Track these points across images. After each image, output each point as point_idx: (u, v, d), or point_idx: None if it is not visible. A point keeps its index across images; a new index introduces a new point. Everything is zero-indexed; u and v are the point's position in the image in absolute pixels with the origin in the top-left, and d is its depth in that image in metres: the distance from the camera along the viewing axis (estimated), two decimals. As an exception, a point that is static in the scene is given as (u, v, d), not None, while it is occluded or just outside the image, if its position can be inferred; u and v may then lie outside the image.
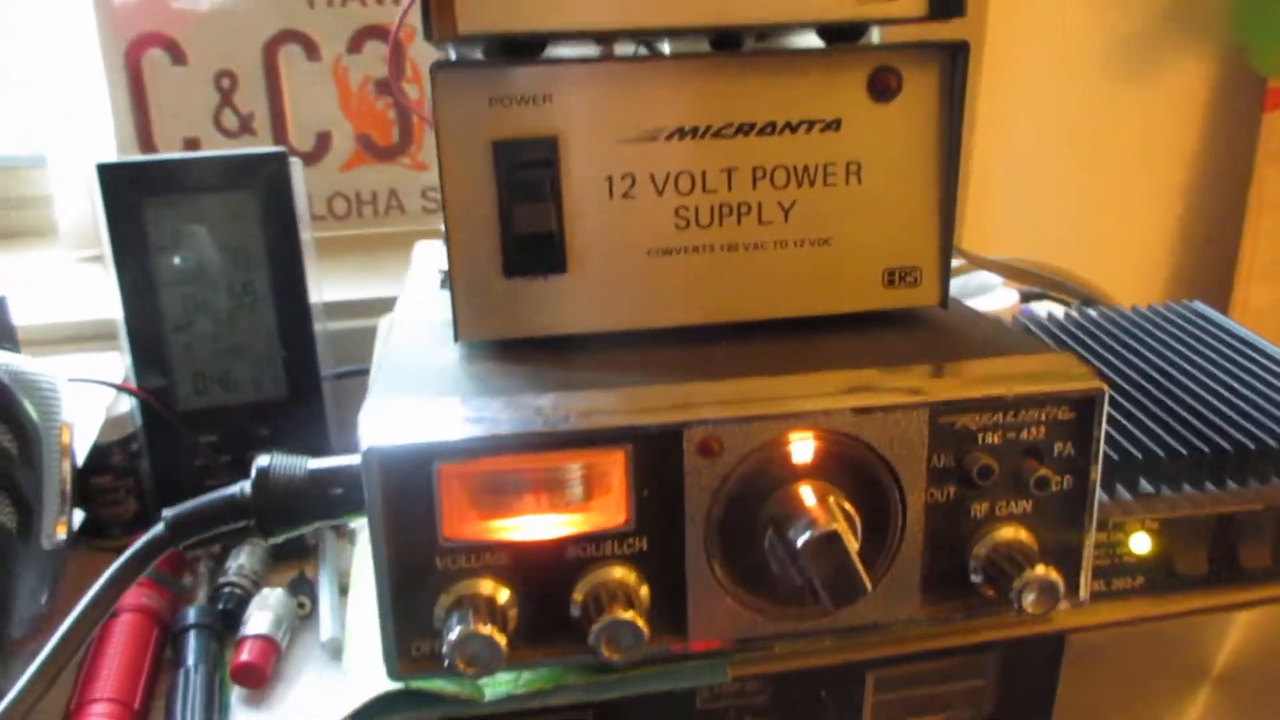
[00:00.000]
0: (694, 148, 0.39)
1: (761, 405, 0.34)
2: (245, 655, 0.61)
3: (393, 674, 0.35)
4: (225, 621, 0.65)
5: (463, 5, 0.35)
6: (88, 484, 0.74)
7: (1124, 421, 0.47)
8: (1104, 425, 0.36)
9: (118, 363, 0.75)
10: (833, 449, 0.35)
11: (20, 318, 0.78)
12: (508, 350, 0.41)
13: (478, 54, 0.40)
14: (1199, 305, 0.59)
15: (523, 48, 0.38)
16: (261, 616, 0.64)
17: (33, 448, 0.47)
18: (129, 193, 0.71)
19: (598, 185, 0.39)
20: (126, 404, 0.75)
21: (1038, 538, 0.37)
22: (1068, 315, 0.60)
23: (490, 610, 0.33)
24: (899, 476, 0.36)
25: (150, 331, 0.73)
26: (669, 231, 0.40)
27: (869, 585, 0.33)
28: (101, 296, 0.72)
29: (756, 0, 0.36)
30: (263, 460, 0.38)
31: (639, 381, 0.36)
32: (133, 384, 0.74)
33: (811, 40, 0.40)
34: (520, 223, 0.39)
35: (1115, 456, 0.44)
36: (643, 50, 0.46)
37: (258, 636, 0.62)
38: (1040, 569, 0.35)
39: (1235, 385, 0.50)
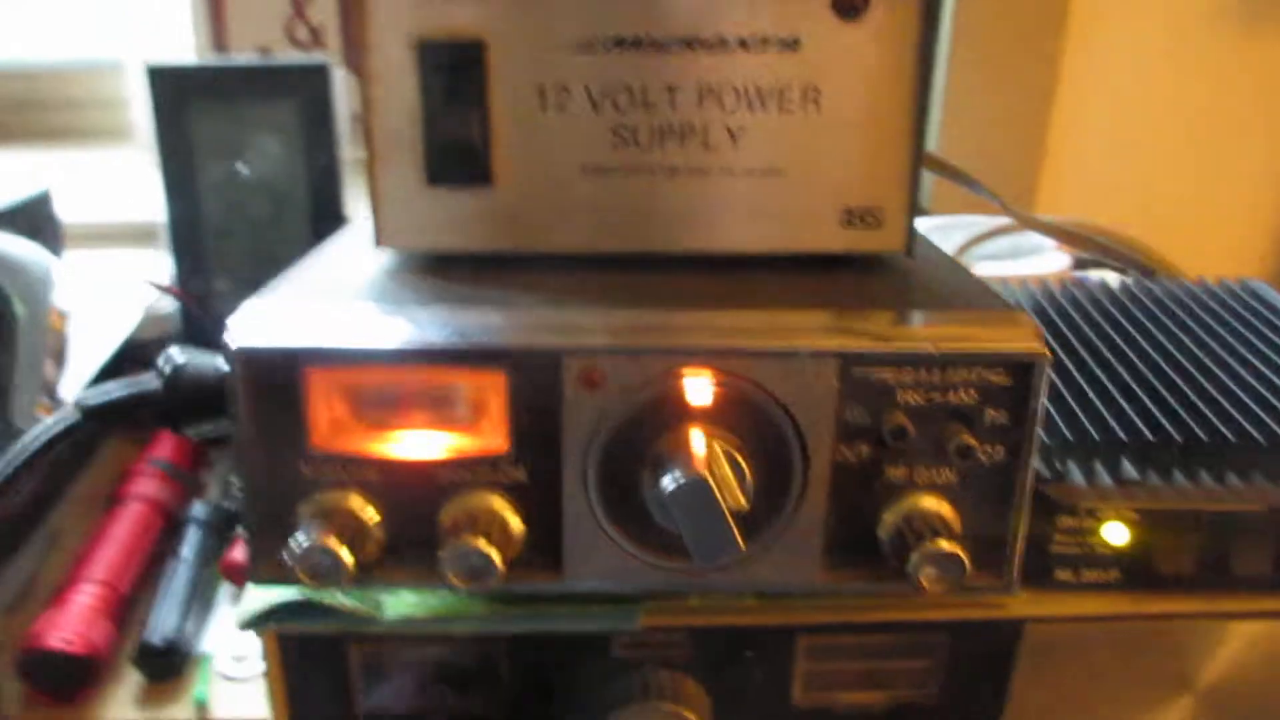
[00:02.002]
0: (635, 60, 0.36)
1: (652, 337, 0.32)
2: (237, 553, 0.62)
3: (253, 577, 0.34)
4: (228, 520, 0.66)
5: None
6: (125, 375, 0.77)
7: (1119, 399, 0.42)
8: (1043, 395, 0.32)
9: (162, 264, 0.77)
10: (729, 393, 0.32)
11: (79, 214, 0.81)
12: (427, 264, 0.39)
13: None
14: (1258, 284, 0.52)
15: (454, -60, 0.35)
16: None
17: (10, 327, 0.48)
18: (176, 96, 0.72)
19: (528, 95, 0.37)
20: (170, 305, 0.78)
21: (961, 513, 0.33)
22: (1120, 286, 0.55)
23: (347, 524, 0.32)
24: (802, 430, 0.32)
25: (191, 235, 0.75)
26: (604, 150, 0.37)
27: (740, 544, 0.30)
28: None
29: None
30: (173, 353, 0.38)
31: (537, 304, 0.34)
32: (175, 286, 0.76)
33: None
34: (443, 129, 0.37)
35: (1096, 435, 0.39)
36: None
37: (255, 537, 0.63)
38: (942, 542, 0.31)
39: (1265, 373, 0.44)
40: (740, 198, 0.38)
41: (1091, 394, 0.43)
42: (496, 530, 0.32)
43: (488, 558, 0.31)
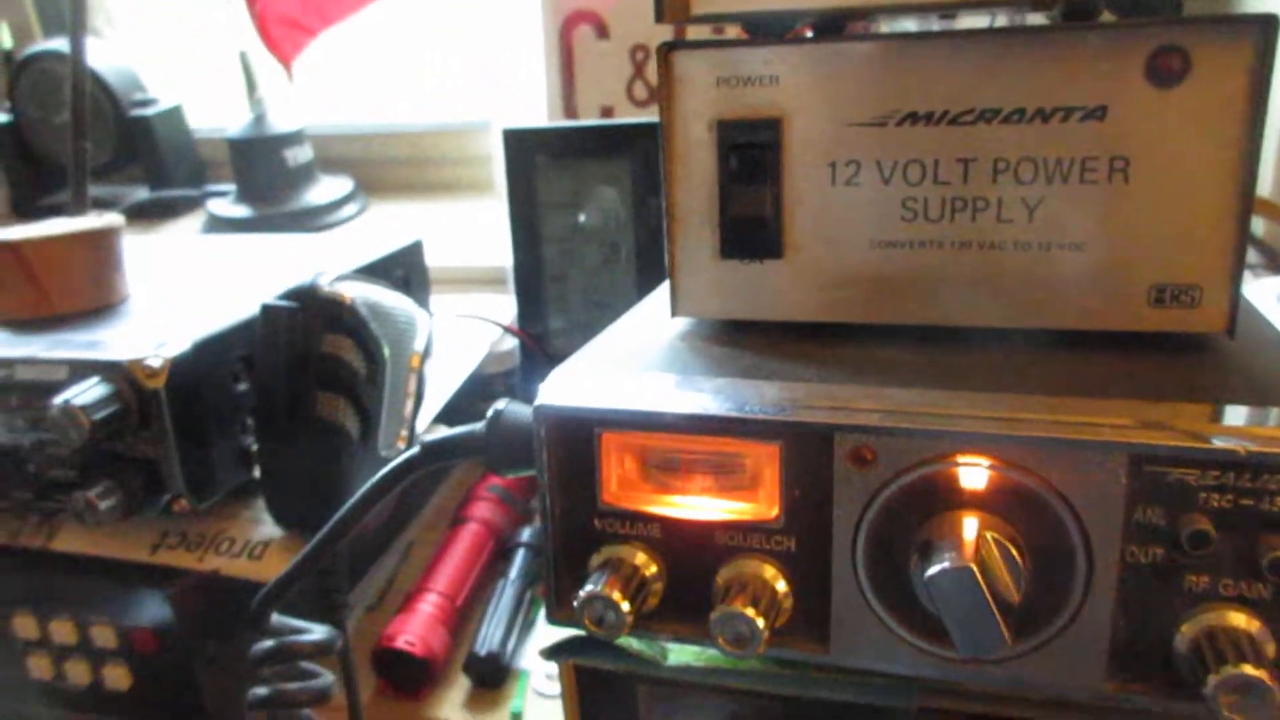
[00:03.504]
0: (927, 134, 0.36)
1: (923, 420, 0.32)
2: (556, 580, 0.68)
3: (550, 618, 0.38)
4: (551, 545, 0.72)
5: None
6: (472, 406, 0.86)
7: None
8: (1383, 509, 0.28)
9: (508, 305, 0.86)
10: (1006, 481, 0.31)
11: (446, 259, 0.92)
12: (718, 332, 0.41)
13: (708, 33, 0.41)
14: None
15: (754, 28, 0.37)
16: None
17: (379, 370, 0.56)
18: (525, 154, 0.80)
19: (820, 170, 0.38)
20: (511, 342, 0.86)
21: (1275, 631, 0.30)
22: None
23: (629, 576, 0.35)
24: (1086, 526, 0.31)
25: (533, 280, 0.83)
26: (894, 223, 0.37)
27: (1007, 638, 0.29)
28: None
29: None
30: (499, 404, 0.42)
31: (813, 377, 0.35)
32: (515, 326, 0.84)
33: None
34: (737, 205, 0.39)
35: None
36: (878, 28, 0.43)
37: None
38: (1246, 666, 0.28)
39: None
40: (1033, 273, 0.37)
41: None
42: (766, 598, 0.33)
43: (754, 625, 0.32)
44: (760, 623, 0.32)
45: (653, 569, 0.36)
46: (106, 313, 0.61)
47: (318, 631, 0.48)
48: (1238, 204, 0.34)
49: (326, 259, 0.71)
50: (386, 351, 0.57)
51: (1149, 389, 0.33)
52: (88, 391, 0.51)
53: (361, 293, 0.56)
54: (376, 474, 0.45)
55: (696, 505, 0.35)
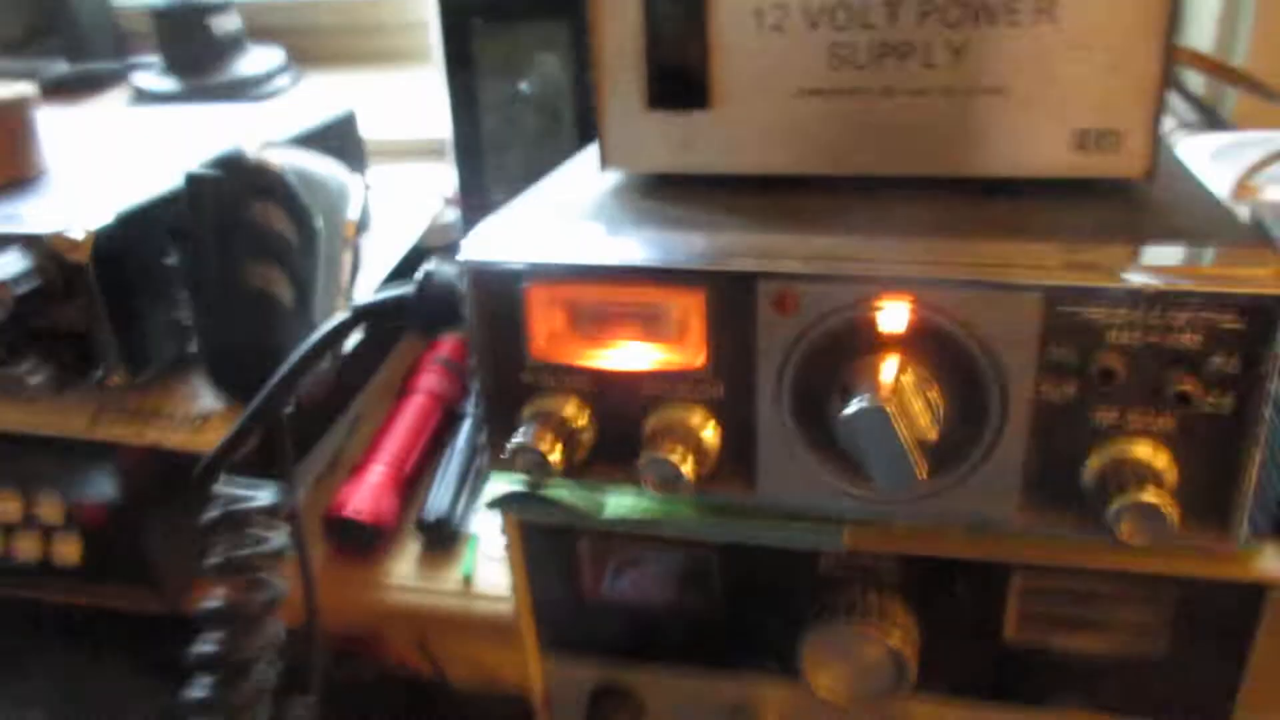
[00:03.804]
0: (855, -23, 0.36)
1: (844, 265, 0.32)
2: (504, 446, 0.68)
3: (486, 470, 0.38)
4: (498, 415, 0.73)
5: None
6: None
7: None
8: (1284, 340, 0.29)
9: (448, 177, 0.84)
10: (926, 323, 0.32)
11: (384, 131, 0.89)
12: (648, 185, 0.41)
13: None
14: None
15: None
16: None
17: (312, 239, 0.55)
18: (460, 18, 0.77)
19: (746, 16, 0.37)
20: (453, 215, 0.85)
21: (1180, 461, 0.31)
22: None
23: (559, 426, 0.35)
24: (1001, 365, 0.32)
25: (473, 150, 0.81)
26: (821, 70, 0.37)
27: (919, 474, 0.30)
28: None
29: None
30: (429, 264, 0.42)
31: (738, 227, 0.35)
32: (457, 197, 0.83)
33: None
34: (663, 51, 0.38)
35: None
36: None
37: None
38: (1147, 493, 0.30)
39: None
40: (959, 119, 0.36)
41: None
42: (693, 442, 0.34)
43: (678, 469, 0.33)
44: (686, 465, 0.33)
45: (583, 419, 0.36)
46: (23, 186, 0.59)
47: (265, 495, 0.48)
48: (1160, 48, 0.34)
49: (255, 129, 0.69)
50: (319, 220, 0.56)
51: (1067, 232, 0.33)
52: (8, 266, 0.49)
53: (290, 160, 0.55)
54: (309, 338, 0.45)
55: (625, 356, 0.36)
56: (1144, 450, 0.31)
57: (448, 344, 0.79)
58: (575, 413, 0.36)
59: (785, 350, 0.33)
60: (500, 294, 0.35)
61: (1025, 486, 0.33)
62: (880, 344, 0.32)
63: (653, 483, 0.33)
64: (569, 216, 0.38)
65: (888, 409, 0.30)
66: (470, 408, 0.73)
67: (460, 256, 0.35)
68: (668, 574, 0.44)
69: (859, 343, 0.33)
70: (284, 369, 0.45)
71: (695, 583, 0.43)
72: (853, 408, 0.30)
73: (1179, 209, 0.36)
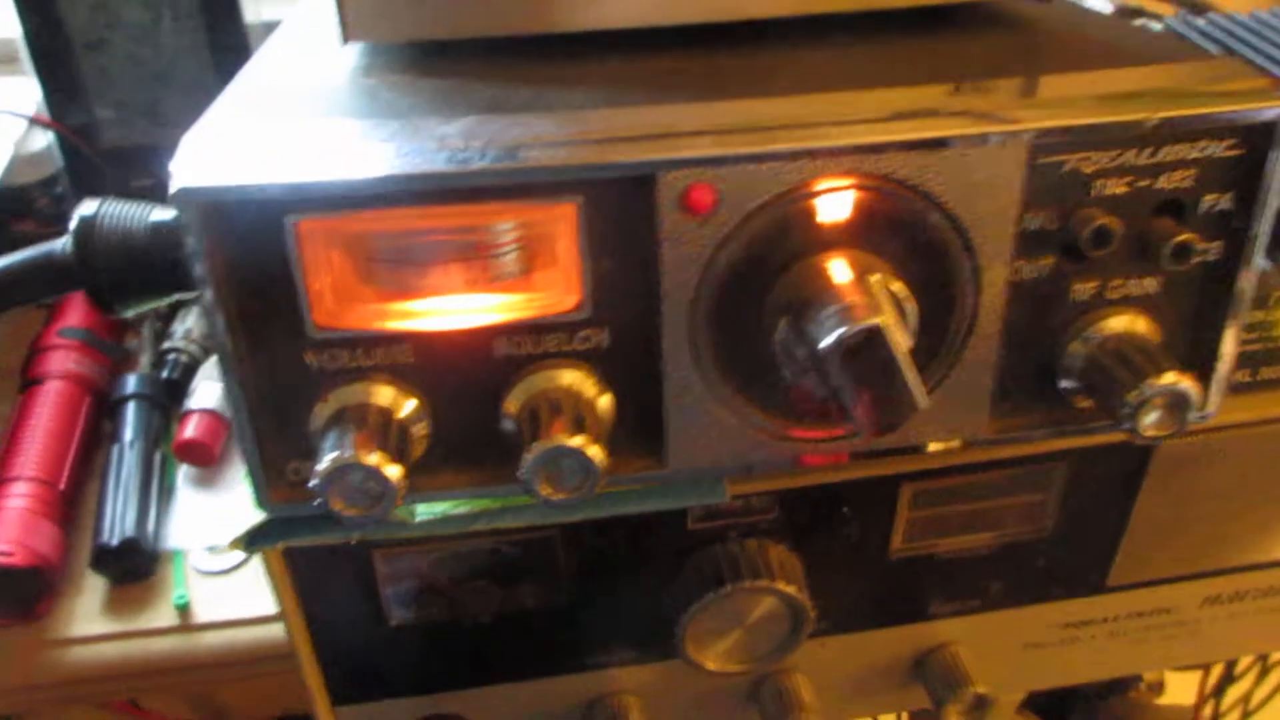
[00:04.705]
0: None
1: (774, 137, 0.23)
2: (190, 431, 0.54)
3: (261, 503, 0.26)
4: (169, 392, 0.57)
5: None
6: (9, 231, 0.64)
7: None
8: (1281, 166, 0.24)
9: (29, 90, 0.64)
10: (879, 204, 0.24)
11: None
12: (412, 59, 0.29)
13: None
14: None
15: None
16: (210, 388, 0.57)
17: None
18: None
19: None
20: (43, 139, 0.65)
21: (1163, 329, 0.26)
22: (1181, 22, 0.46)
23: (382, 426, 0.24)
24: (973, 242, 0.24)
25: (56, 51, 0.61)
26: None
27: (923, 402, 0.23)
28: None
29: None
30: (84, 207, 0.27)
31: (597, 102, 0.25)
32: (44, 115, 0.63)
33: None
34: None
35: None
36: None
37: (205, 410, 0.55)
38: (1171, 376, 0.24)
39: None
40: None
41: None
42: (589, 414, 0.24)
43: (588, 460, 0.23)
44: (595, 450, 0.23)
45: (409, 407, 0.25)
46: None
47: None
48: None
49: None
50: None
51: (970, 68, 0.26)
52: None
53: None
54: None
55: (456, 308, 0.24)
56: (1125, 322, 0.26)
57: (75, 310, 0.61)
58: (396, 399, 0.25)
59: (700, 267, 0.24)
60: (251, 237, 0.23)
61: (997, 392, 0.27)
62: (823, 241, 0.24)
63: (555, 486, 0.23)
64: (321, 113, 0.26)
65: (883, 325, 0.22)
66: (132, 388, 0.56)
67: (177, 183, 0.22)
68: (500, 574, 0.34)
69: (795, 244, 0.24)
70: None
71: (537, 572, 0.34)
72: (833, 334, 0.22)
73: (1108, 29, 0.30)
